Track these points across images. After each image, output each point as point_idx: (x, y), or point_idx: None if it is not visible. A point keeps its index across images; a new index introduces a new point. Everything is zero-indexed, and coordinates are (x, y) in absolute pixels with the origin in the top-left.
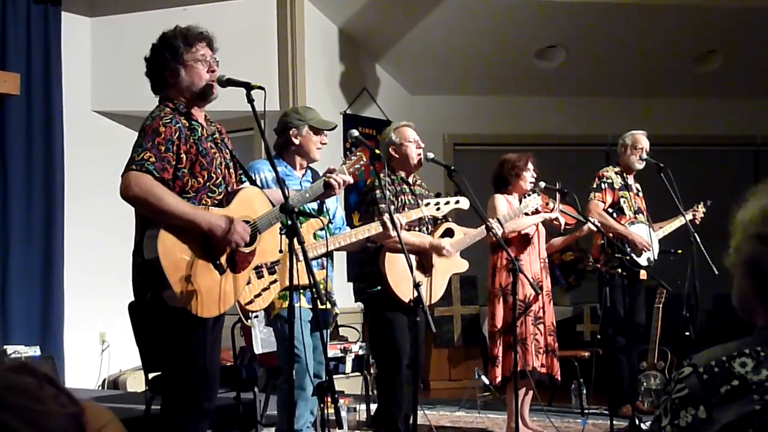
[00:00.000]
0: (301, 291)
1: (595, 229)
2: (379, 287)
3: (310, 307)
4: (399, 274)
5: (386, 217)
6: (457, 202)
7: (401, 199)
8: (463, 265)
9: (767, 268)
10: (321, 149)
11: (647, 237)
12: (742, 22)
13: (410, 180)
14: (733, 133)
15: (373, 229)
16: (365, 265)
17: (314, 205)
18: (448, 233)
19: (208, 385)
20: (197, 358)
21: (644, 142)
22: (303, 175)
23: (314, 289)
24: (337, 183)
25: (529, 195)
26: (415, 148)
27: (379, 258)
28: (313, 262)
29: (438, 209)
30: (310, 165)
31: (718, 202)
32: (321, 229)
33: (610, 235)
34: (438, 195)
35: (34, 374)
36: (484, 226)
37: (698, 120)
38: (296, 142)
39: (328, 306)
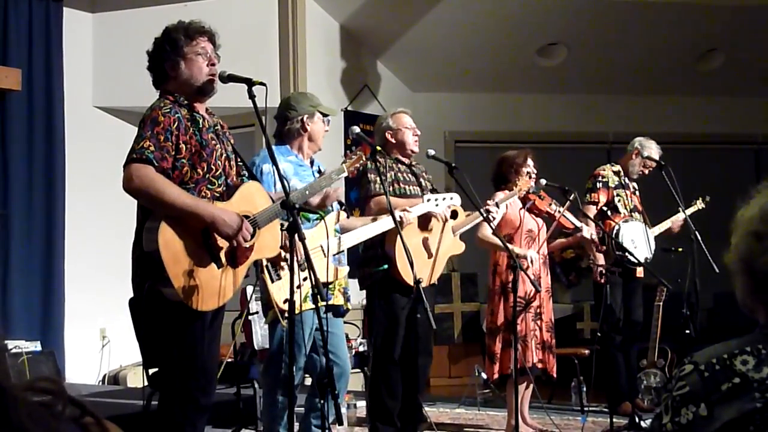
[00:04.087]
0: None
1: (587, 237)
2: (386, 266)
3: (326, 304)
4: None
5: (403, 214)
6: (452, 198)
7: (394, 174)
8: (460, 247)
9: (761, 266)
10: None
11: (642, 235)
12: (743, 20)
13: (407, 162)
14: (734, 131)
15: (387, 225)
16: (368, 250)
17: None
18: (453, 215)
19: (206, 381)
20: (195, 353)
21: (656, 156)
22: (312, 165)
23: (314, 285)
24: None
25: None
26: (411, 135)
27: (386, 240)
28: (335, 260)
29: (437, 205)
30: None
31: (719, 201)
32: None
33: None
34: (433, 190)
35: (56, 394)
36: (481, 211)
37: (699, 118)
38: (308, 128)
39: (341, 301)
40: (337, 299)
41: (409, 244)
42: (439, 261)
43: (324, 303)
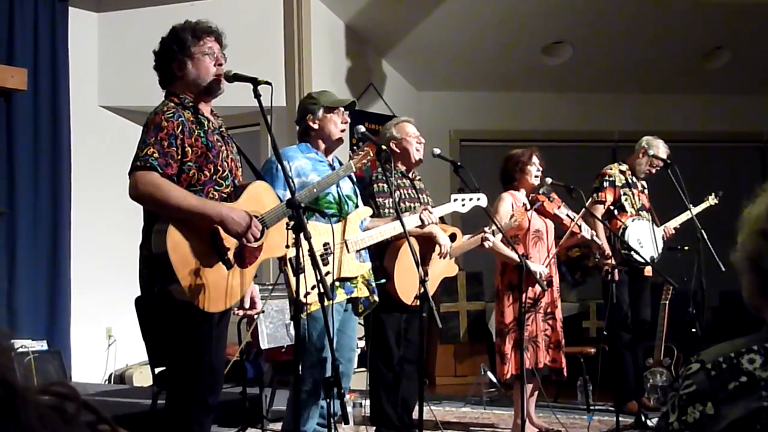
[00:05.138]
0: (338, 284)
1: (596, 240)
2: (383, 279)
3: (347, 297)
4: (405, 271)
5: (423, 215)
6: (479, 199)
7: (400, 193)
8: (454, 270)
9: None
10: (344, 129)
11: (649, 234)
12: (749, 18)
13: (410, 175)
14: (739, 129)
15: (410, 223)
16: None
17: (349, 192)
18: (451, 238)
19: (212, 380)
20: (202, 353)
21: (663, 155)
22: (332, 160)
23: (321, 285)
24: None
25: (535, 191)
26: (415, 144)
27: (387, 254)
28: (356, 256)
29: (463, 205)
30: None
31: (725, 199)
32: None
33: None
34: (460, 190)
35: (70, 398)
36: (479, 236)
37: (705, 116)
38: (315, 126)
39: (366, 293)
40: (361, 291)
41: (405, 263)
42: (431, 283)
43: (330, 302)
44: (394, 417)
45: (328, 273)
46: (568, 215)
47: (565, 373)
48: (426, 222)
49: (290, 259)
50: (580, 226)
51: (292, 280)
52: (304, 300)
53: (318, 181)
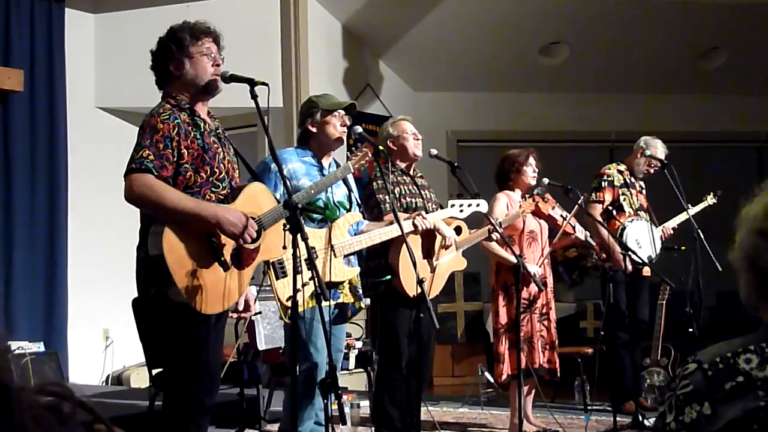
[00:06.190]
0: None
1: (590, 242)
2: (388, 276)
3: (334, 303)
4: (409, 266)
5: (417, 220)
6: (478, 205)
7: (400, 189)
8: (462, 263)
9: (765, 264)
10: (344, 131)
11: (647, 234)
12: (745, 18)
13: (411, 172)
14: (736, 129)
15: (405, 228)
16: (371, 259)
17: (341, 198)
18: (457, 231)
19: (209, 382)
20: (200, 354)
21: (661, 155)
22: (329, 165)
23: (317, 285)
24: None
25: (531, 191)
26: (413, 140)
27: (391, 250)
28: (344, 261)
29: (461, 211)
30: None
31: (722, 199)
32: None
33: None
34: (459, 196)
35: (65, 398)
36: (486, 228)
37: (702, 116)
38: (313, 130)
39: (352, 300)
40: (346, 297)
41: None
42: (440, 277)
43: (328, 303)
44: (396, 418)
45: (312, 278)
46: (562, 216)
47: (559, 374)
48: (420, 227)
49: (272, 263)
50: (573, 227)
51: (275, 283)
52: (289, 303)
53: (316, 182)
